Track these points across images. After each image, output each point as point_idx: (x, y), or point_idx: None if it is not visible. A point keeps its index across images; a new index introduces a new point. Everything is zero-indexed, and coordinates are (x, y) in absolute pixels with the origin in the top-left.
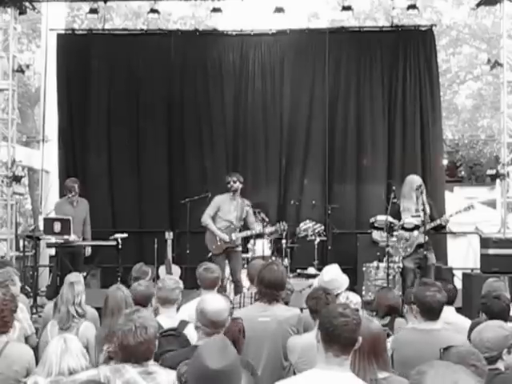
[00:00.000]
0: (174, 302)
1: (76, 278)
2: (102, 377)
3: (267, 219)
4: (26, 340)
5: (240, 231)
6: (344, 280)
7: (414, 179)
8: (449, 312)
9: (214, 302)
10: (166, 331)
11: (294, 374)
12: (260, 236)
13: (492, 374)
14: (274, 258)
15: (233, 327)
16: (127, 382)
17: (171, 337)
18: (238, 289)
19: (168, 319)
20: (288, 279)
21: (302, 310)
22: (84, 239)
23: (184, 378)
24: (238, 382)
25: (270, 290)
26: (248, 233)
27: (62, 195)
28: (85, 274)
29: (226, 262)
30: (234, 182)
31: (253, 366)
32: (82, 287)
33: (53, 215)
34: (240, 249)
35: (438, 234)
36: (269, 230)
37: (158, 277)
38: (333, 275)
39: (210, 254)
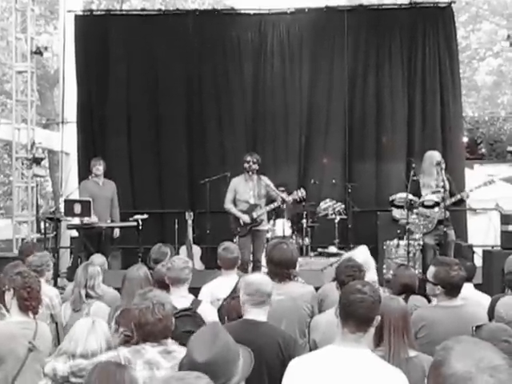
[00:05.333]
0: (185, 281)
1: (100, 259)
2: (121, 358)
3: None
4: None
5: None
6: (373, 262)
7: (434, 155)
8: (467, 288)
9: (258, 275)
10: (179, 312)
11: (310, 351)
12: (279, 215)
13: None
14: (294, 238)
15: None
16: (148, 361)
17: (186, 317)
18: (256, 269)
19: (180, 299)
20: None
21: (318, 288)
22: (112, 221)
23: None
24: (232, 369)
25: (281, 269)
26: (267, 208)
27: (81, 177)
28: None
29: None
30: (254, 163)
31: (295, 341)
32: (98, 269)
33: (74, 196)
34: (265, 228)
35: (457, 211)
36: (288, 199)
37: None
38: (366, 257)
39: (237, 237)
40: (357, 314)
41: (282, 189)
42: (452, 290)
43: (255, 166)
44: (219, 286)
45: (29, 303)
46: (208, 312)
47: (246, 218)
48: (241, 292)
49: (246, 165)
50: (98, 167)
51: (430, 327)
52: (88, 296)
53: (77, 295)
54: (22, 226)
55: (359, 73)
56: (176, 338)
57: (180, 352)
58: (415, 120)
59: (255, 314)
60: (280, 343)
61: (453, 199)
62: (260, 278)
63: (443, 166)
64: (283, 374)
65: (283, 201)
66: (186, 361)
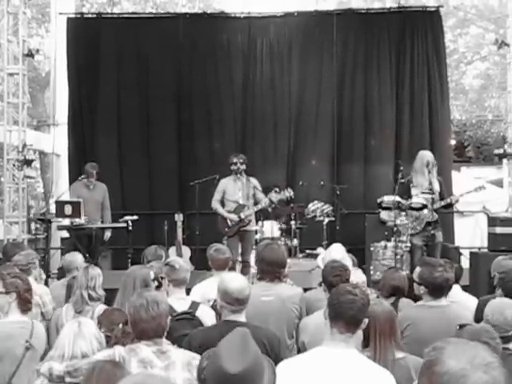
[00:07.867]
0: (186, 283)
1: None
2: (117, 356)
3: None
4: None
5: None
6: (349, 259)
7: (426, 154)
8: (454, 290)
9: (236, 280)
10: (178, 314)
11: (299, 352)
12: (268, 217)
13: (505, 353)
14: (282, 239)
15: None
16: (142, 360)
17: (185, 320)
18: (244, 269)
19: (179, 301)
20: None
21: (306, 289)
22: (103, 223)
23: (203, 375)
24: (260, 381)
25: (272, 268)
26: (255, 208)
27: (72, 178)
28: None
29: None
30: (241, 164)
31: (279, 340)
32: (99, 271)
33: (64, 198)
34: (253, 228)
35: (445, 213)
36: (276, 198)
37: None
38: (343, 254)
39: (226, 238)
40: (347, 315)
41: (277, 189)
42: (435, 290)
43: (243, 167)
44: (210, 287)
45: (31, 305)
46: (207, 315)
47: (233, 217)
48: (218, 296)
49: (234, 166)
50: (92, 171)
51: (414, 326)
52: (90, 297)
53: (78, 297)
54: (13, 226)
55: (348, 76)
56: (174, 340)
57: (175, 353)
58: (403, 123)
59: (235, 317)
60: (265, 343)
61: (442, 203)
62: (238, 285)
63: (432, 167)
64: None
65: (271, 202)
66: (213, 369)
